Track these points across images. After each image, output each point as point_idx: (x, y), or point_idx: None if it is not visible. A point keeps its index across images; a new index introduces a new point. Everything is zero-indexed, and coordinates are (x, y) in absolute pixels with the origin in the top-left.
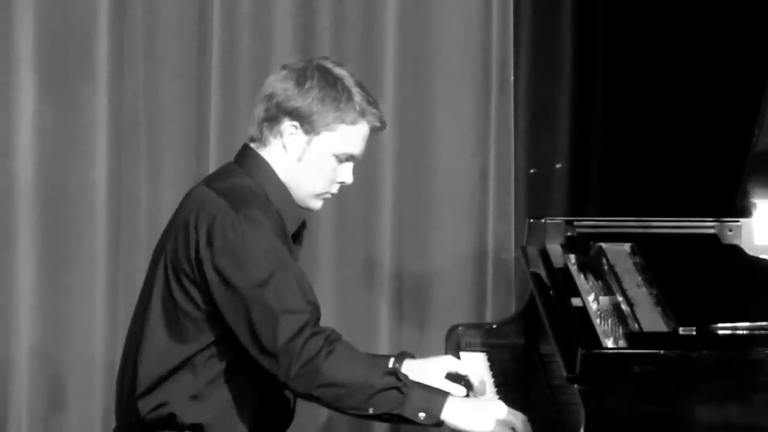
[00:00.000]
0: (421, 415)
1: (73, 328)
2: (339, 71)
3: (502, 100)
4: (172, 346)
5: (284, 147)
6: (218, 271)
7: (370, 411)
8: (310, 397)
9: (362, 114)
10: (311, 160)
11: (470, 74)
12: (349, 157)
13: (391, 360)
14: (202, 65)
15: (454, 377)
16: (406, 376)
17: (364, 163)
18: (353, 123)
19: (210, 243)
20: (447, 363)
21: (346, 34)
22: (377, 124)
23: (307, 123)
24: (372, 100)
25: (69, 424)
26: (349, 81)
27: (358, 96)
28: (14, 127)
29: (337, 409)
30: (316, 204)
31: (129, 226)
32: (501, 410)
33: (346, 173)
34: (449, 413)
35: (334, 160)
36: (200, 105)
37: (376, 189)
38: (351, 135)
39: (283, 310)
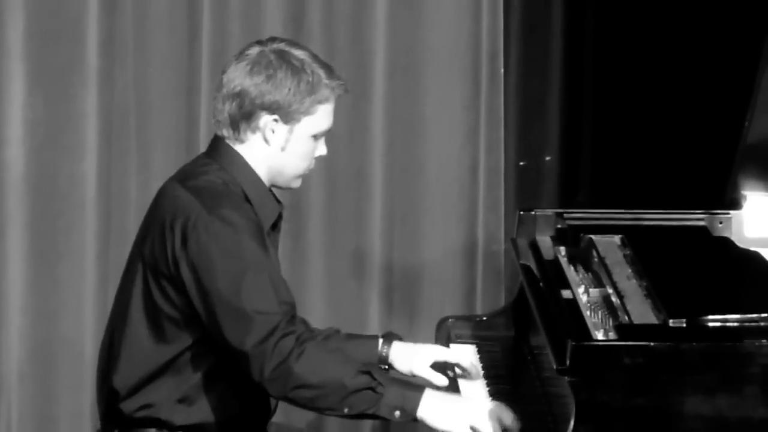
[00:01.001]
0: (397, 413)
1: (62, 320)
2: (298, 53)
3: (492, 92)
4: (154, 347)
5: (265, 141)
6: (193, 272)
7: (346, 411)
8: (285, 398)
9: (331, 89)
10: (294, 147)
11: (460, 66)
12: (325, 132)
13: (380, 341)
14: (192, 58)
15: (442, 366)
16: (381, 373)
17: (355, 155)
18: (327, 100)
19: (184, 243)
20: (435, 352)
21: (336, 26)
22: (343, 91)
23: (287, 114)
24: (333, 71)
25: (59, 416)
26: (310, 60)
27: (323, 72)
28: (4, 119)
29: (313, 410)
30: (298, 183)
31: (119, 219)
32: (477, 409)
33: (321, 147)
34: (424, 410)
35: (313, 141)
36: (190, 98)
37: (366, 181)
38: (326, 112)
39: (255, 312)
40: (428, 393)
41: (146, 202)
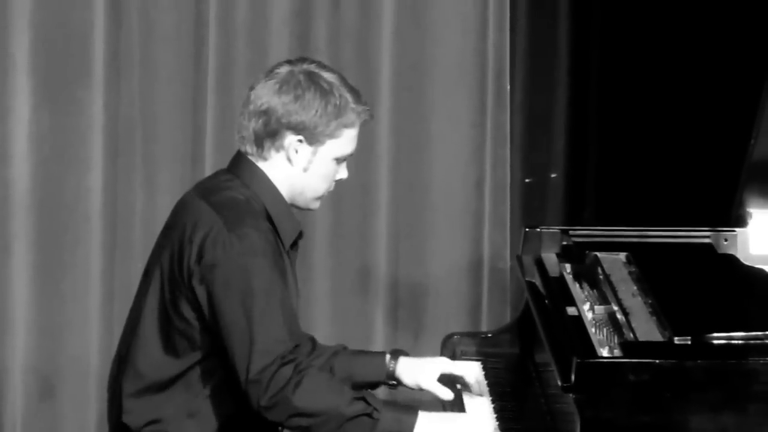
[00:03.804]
0: None
1: (68, 334)
2: (328, 76)
3: (498, 108)
4: (164, 360)
5: (288, 160)
6: (206, 288)
7: None
8: (283, 426)
9: (357, 114)
10: (316, 169)
11: (466, 83)
12: (348, 156)
13: (387, 357)
14: (198, 72)
15: (448, 379)
16: (375, 399)
17: (361, 171)
18: (352, 125)
19: (200, 257)
20: (441, 365)
21: (342, 42)
22: (368, 117)
23: (312, 135)
24: (360, 96)
25: (64, 429)
26: (339, 84)
27: (350, 97)
28: (10, 133)
29: None
30: (317, 205)
31: (124, 233)
32: (470, 427)
33: (343, 170)
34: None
35: (335, 163)
36: (196, 112)
37: (372, 197)
38: (351, 136)
39: (260, 340)
40: (422, 416)
41: (152, 215)
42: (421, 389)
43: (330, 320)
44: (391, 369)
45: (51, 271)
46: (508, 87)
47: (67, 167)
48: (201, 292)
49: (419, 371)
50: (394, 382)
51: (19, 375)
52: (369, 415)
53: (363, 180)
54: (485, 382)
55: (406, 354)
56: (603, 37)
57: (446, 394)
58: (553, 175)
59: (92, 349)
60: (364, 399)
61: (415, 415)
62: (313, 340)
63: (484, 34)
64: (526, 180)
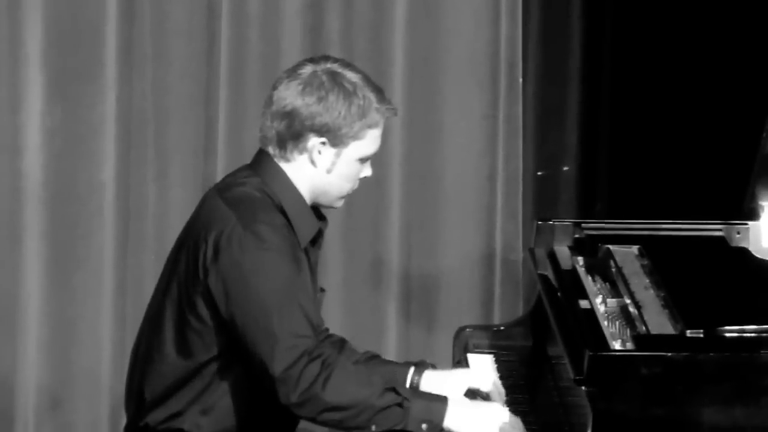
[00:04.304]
0: (424, 426)
1: (80, 328)
2: (351, 75)
3: (511, 100)
4: (179, 357)
5: (312, 162)
6: (223, 287)
7: (373, 428)
8: (314, 421)
9: (381, 113)
10: (340, 170)
11: (479, 75)
12: (372, 155)
13: (411, 369)
14: (211, 65)
15: (472, 393)
16: (405, 389)
17: (373, 164)
18: (376, 125)
19: (216, 256)
20: (466, 379)
21: (355, 34)
22: (392, 115)
23: (336, 137)
24: (383, 95)
25: (76, 424)
26: (363, 84)
27: (374, 96)
28: (22, 127)
29: (342, 429)
30: (341, 203)
31: (137, 227)
32: (502, 414)
33: (367, 169)
34: (450, 420)
35: (359, 164)
36: (208, 105)
37: (385, 190)
38: (374, 136)
39: (284, 337)
40: (452, 402)
41: (164, 209)
42: None
43: (343, 313)
44: (415, 383)
45: (63, 264)
46: (521, 79)
47: (79, 161)
48: (218, 291)
49: (444, 388)
50: None
51: (31, 368)
52: (399, 404)
53: (375, 173)
54: (497, 375)
55: (433, 366)
56: (616, 29)
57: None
58: (565, 168)
59: (104, 342)
60: (394, 389)
61: (445, 403)
62: (343, 342)
63: (497, 26)
64: (539, 172)
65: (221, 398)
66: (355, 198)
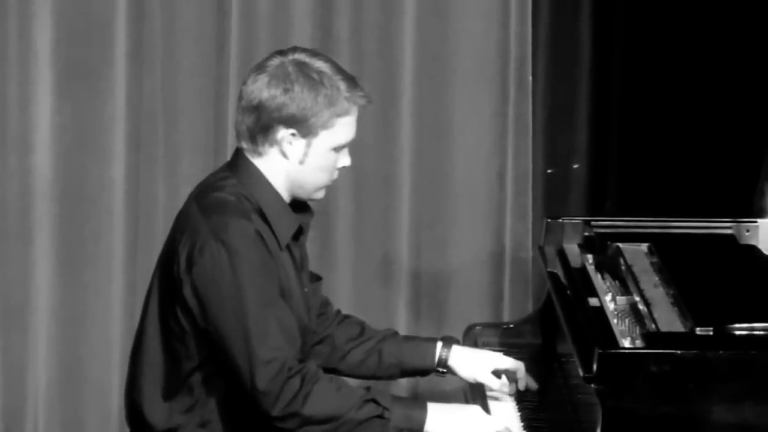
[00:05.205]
0: None
1: (90, 324)
2: (318, 64)
3: (520, 99)
4: (165, 364)
5: (283, 154)
6: (197, 298)
7: None
8: None
9: (352, 101)
10: (313, 160)
11: (488, 73)
12: (347, 144)
13: (439, 344)
14: (220, 64)
15: (499, 374)
16: (385, 398)
17: (383, 162)
18: (347, 113)
19: (189, 268)
20: (495, 360)
21: (365, 33)
22: (365, 102)
23: (304, 127)
24: (354, 82)
25: (86, 421)
26: (330, 71)
27: (342, 84)
28: (32, 124)
29: None
30: (321, 194)
31: (147, 224)
32: (481, 417)
33: (344, 158)
34: (431, 426)
35: (333, 153)
36: (218, 103)
37: (394, 188)
38: (346, 125)
39: (260, 351)
40: (432, 408)
41: (174, 207)
42: (476, 382)
43: (352, 311)
44: (443, 357)
45: (73, 262)
46: (530, 77)
47: (89, 158)
48: (192, 302)
49: (475, 364)
50: (444, 371)
51: (41, 365)
52: (380, 416)
53: (385, 170)
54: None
55: (458, 341)
56: (625, 26)
57: (504, 387)
58: (575, 166)
59: (114, 340)
60: (374, 400)
61: (425, 410)
62: (362, 323)
63: (506, 24)
64: (548, 170)
65: (216, 412)
66: (364, 195)
